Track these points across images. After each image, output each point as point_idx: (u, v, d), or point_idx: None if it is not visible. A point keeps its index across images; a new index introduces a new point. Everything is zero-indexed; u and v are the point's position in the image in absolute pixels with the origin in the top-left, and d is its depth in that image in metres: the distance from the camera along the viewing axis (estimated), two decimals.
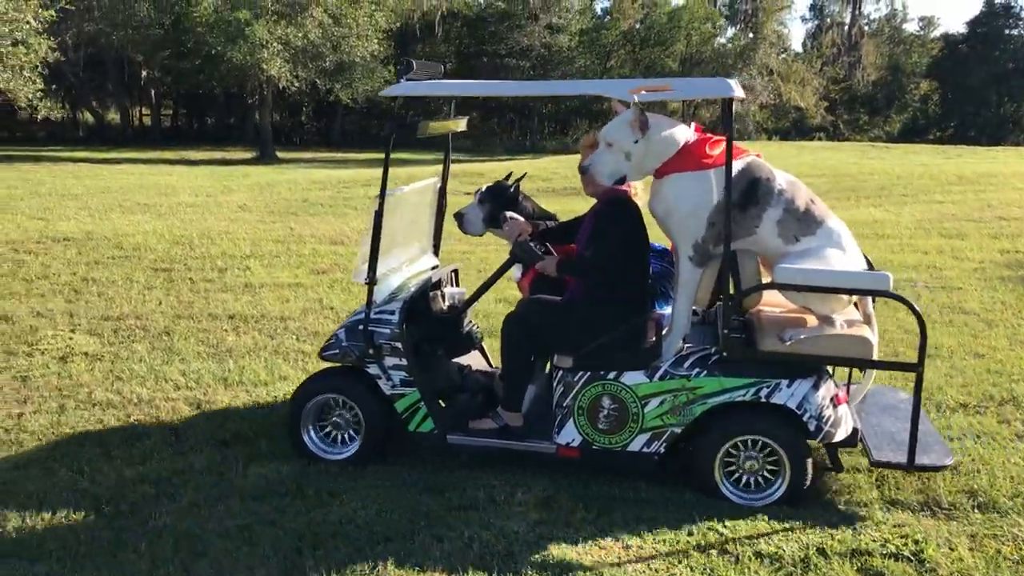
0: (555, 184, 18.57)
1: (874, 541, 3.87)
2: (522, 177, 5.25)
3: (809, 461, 4.22)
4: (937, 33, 56.37)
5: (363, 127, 44.17)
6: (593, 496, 4.28)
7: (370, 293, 4.51)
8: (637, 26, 44.19)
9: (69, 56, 33.04)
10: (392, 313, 4.54)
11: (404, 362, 4.52)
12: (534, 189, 17.61)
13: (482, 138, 43.40)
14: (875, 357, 4.21)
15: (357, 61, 32.35)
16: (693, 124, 4.37)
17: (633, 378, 4.27)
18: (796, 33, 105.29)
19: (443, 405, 4.70)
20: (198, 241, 11.49)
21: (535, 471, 4.53)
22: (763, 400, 4.16)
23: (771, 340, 4.21)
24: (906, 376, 6.03)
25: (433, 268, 5.28)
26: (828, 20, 57.80)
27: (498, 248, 9.18)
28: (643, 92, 4.04)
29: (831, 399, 4.18)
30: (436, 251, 5.45)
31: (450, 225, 5.36)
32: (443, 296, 5.14)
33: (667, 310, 4.81)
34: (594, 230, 4.39)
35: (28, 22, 11.70)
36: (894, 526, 4.02)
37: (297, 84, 31.12)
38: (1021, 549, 3.87)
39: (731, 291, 4.25)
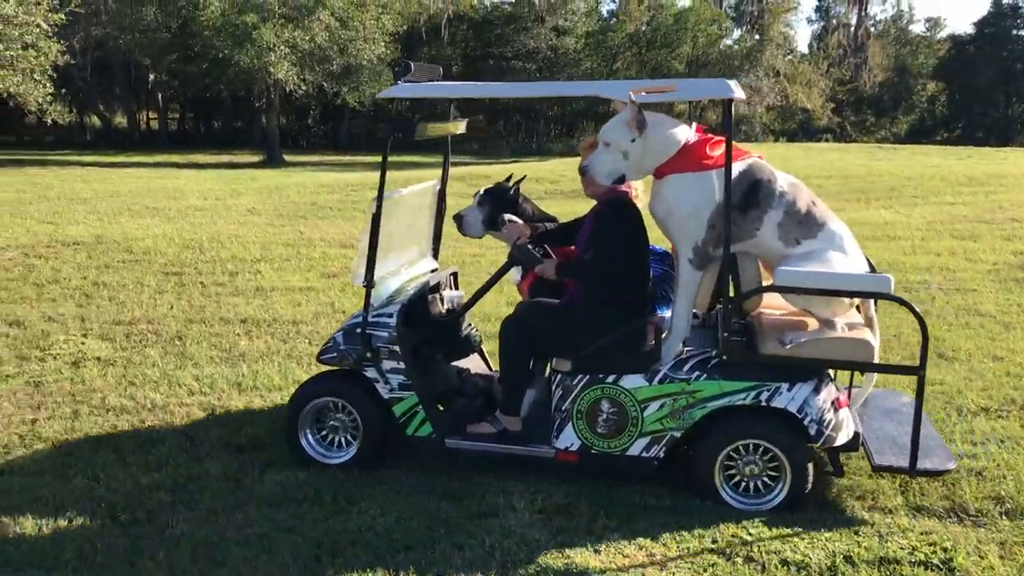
0: (562, 186, 18.49)
1: (902, 549, 3.81)
2: (522, 179, 5.21)
3: (810, 466, 4.17)
4: (944, 34, 56.25)
5: (370, 130, 44.13)
6: (614, 503, 4.23)
7: (367, 296, 4.49)
8: (643, 28, 44.10)
9: (76, 60, 33.12)
10: (390, 316, 4.52)
11: (402, 366, 4.50)
12: (541, 191, 17.57)
13: (488, 140, 43.36)
14: (876, 360, 4.17)
15: (364, 64, 32.34)
16: (694, 124, 4.32)
17: (632, 381, 4.24)
18: (802, 34, 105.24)
19: (442, 409, 4.67)
20: (208, 245, 11.47)
21: (554, 477, 4.48)
22: (763, 404, 4.11)
23: (771, 343, 4.17)
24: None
25: (432, 271, 5.25)
26: (834, 21, 57.68)
27: (507, 250, 9.15)
28: (644, 93, 4.02)
29: (832, 403, 4.14)
30: (436, 254, 5.43)
31: (455, 228, 5.31)
32: (442, 299, 5.11)
33: (667, 313, 4.76)
34: (594, 232, 4.35)
35: (38, 25, 11.69)
36: (921, 533, 3.96)
37: (304, 87, 31.12)
38: None
39: (731, 294, 4.21)
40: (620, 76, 41.56)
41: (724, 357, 4.15)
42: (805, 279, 4.01)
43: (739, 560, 3.74)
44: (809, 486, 4.18)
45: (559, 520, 4.07)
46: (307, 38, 29.49)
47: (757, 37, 45.89)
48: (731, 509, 4.18)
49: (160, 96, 42.30)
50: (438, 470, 4.61)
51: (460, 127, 5.05)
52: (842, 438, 4.15)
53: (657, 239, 4.63)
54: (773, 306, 4.59)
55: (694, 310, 4.50)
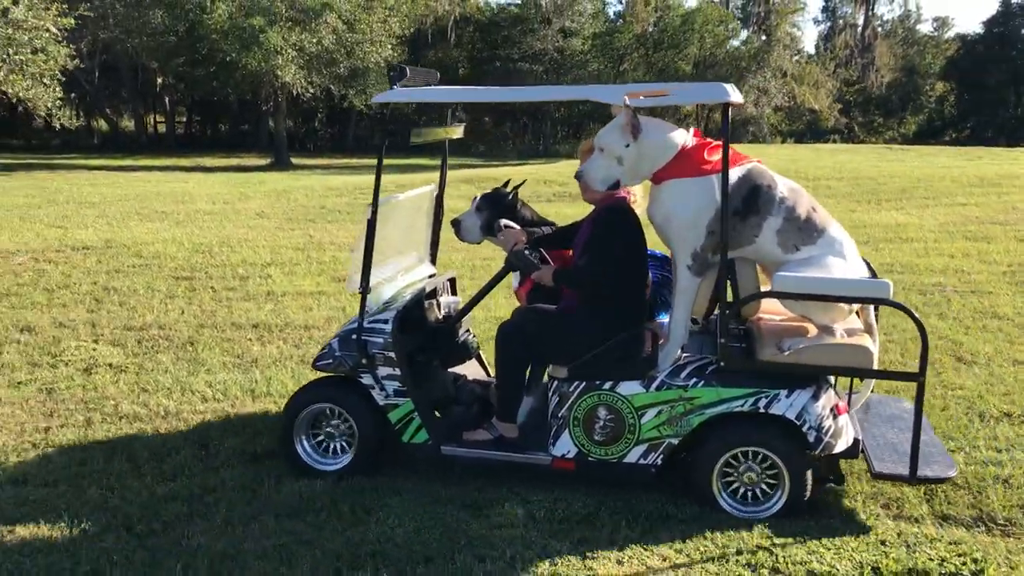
0: (570, 188, 18.43)
1: (931, 560, 3.73)
2: (520, 184, 5.17)
3: (809, 473, 4.12)
4: (952, 34, 56.05)
5: (377, 133, 44.13)
6: (636, 513, 4.16)
7: (363, 302, 4.46)
8: (650, 29, 44.00)
9: (84, 64, 33.17)
10: (385, 322, 4.48)
11: (397, 372, 4.46)
12: (549, 193, 17.53)
13: (495, 142, 43.33)
14: (875, 367, 4.11)
15: (371, 67, 32.30)
16: (692, 128, 4.27)
17: (629, 388, 4.19)
18: (809, 35, 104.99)
19: (438, 416, 4.63)
20: (218, 249, 11.45)
21: (574, 486, 4.42)
22: (761, 411, 4.06)
23: (770, 350, 4.12)
24: (941, 386, 5.95)
25: (430, 277, 5.22)
26: (841, 22, 57.54)
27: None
28: (642, 98, 3.98)
29: (831, 409, 4.08)
30: (433, 259, 5.40)
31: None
32: (438, 305, 5.07)
33: (667, 319, 4.71)
34: (591, 238, 4.30)
35: (48, 29, 11.68)
36: (950, 543, 3.89)
37: (311, 90, 31.12)
38: None
39: (729, 299, 4.16)
40: (627, 77, 41.49)
41: (722, 363, 4.10)
42: (802, 285, 3.97)
43: (765, 571, 3.68)
44: (808, 493, 4.13)
45: (580, 530, 4.01)
46: (314, 41, 29.47)
47: (764, 38, 45.76)
48: (753, 519, 4.12)
49: (167, 99, 42.34)
50: (455, 479, 4.55)
51: (457, 132, 5.04)
52: (841, 445, 4.10)
53: (656, 244, 4.58)
54: (773, 312, 4.54)
55: (693, 316, 4.47)
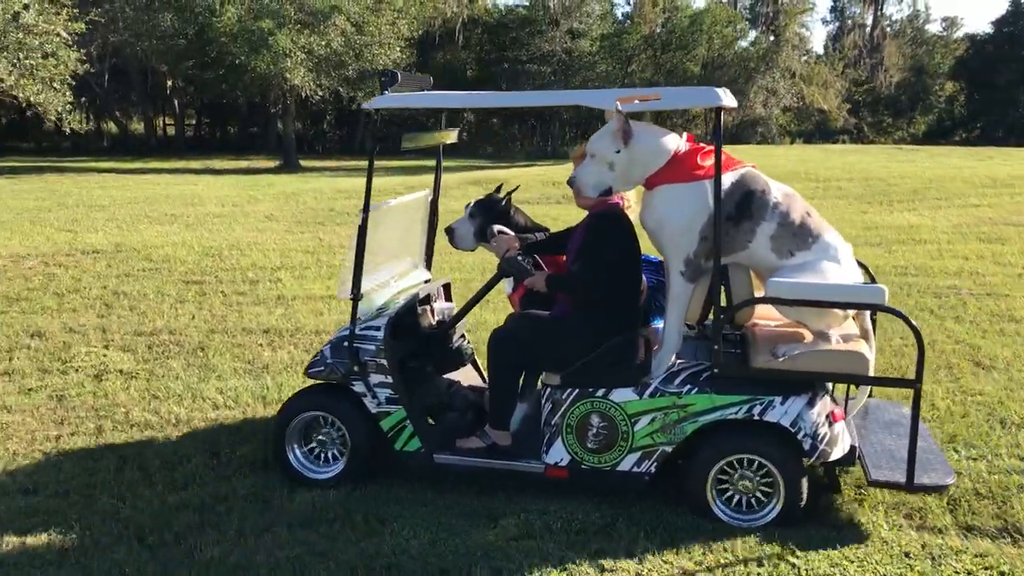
0: None
1: (956, 573, 3.67)
2: (514, 190, 5.13)
3: (804, 480, 4.06)
4: (961, 33, 55.79)
5: (385, 135, 44.12)
6: (655, 523, 4.10)
7: (354, 309, 4.42)
8: (658, 30, 43.91)
9: (94, 67, 33.23)
10: (377, 329, 4.44)
11: (389, 379, 4.42)
12: (559, 195, 17.44)
13: (503, 144, 43.29)
14: (871, 373, 4.06)
15: (379, 69, 32.29)
16: (685, 134, 4.23)
17: (622, 395, 4.14)
18: (818, 35, 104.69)
19: (432, 423, 4.59)
20: (227, 252, 11.42)
21: (590, 497, 4.36)
22: (756, 418, 4.00)
23: (764, 356, 4.07)
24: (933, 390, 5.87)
25: (425, 283, 5.18)
26: (850, 22, 57.36)
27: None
28: (636, 102, 3.96)
29: (827, 416, 4.03)
30: (428, 265, 5.36)
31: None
32: (432, 311, 5.03)
33: (662, 324, 4.66)
34: (584, 244, 4.26)
35: (58, 34, 11.68)
36: (976, 555, 3.82)
37: (320, 93, 31.11)
38: None
39: (722, 305, 4.11)
40: (635, 79, 41.41)
41: (716, 370, 4.05)
42: (796, 290, 3.93)
43: None
44: (804, 501, 4.07)
45: (598, 541, 3.94)
46: (323, 43, 29.47)
47: (772, 38, 45.63)
48: (774, 529, 4.05)
49: (176, 102, 42.39)
50: (471, 489, 4.49)
51: (451, 137, 5.01)
52: (837, 452, 4.05)
53: (650, 249, 4.53)
54: (768, 318, 4.48)
55: (688, 322, 4.43)
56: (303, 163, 31.73)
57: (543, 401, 4.27)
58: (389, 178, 23.25)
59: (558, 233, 4.80)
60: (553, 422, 4.24)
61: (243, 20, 28.59)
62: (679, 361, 4.24)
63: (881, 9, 56.40)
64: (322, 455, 4.63)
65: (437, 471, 4.51)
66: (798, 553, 3.83)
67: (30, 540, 3.95)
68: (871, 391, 5.12)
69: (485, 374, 5.28)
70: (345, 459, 4.55)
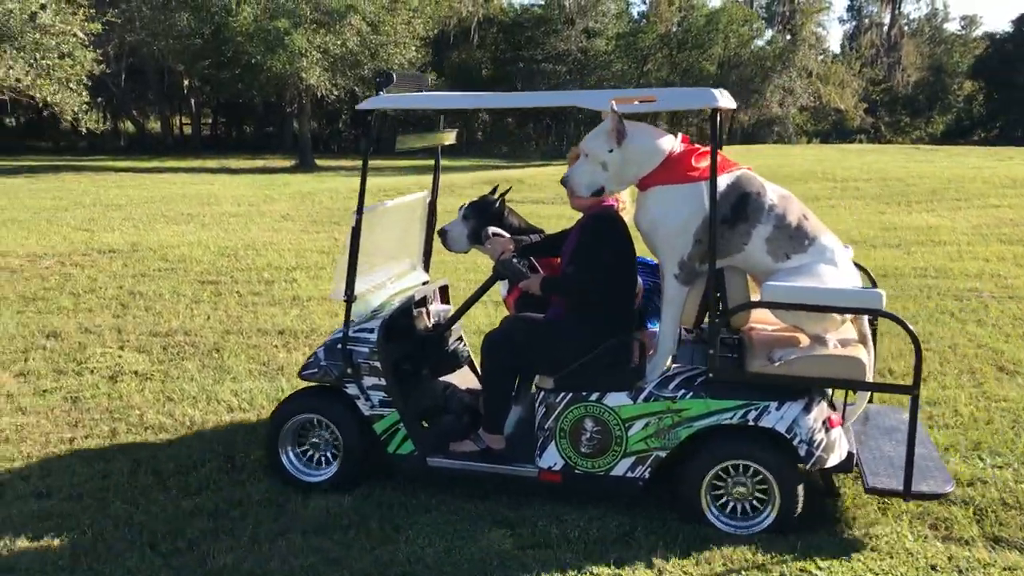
0: None
1: None
2: (507, 191, 5.08)
3: (800, 487, 3.99)
4: (980, 32, 55.37)
5: (402, 134, 44.13)
6: (674, 533, 4.03)
7: (347, 310, 4.38)
8: (674, 29, 43.77)
9: (111, 67, 33.36)
10: (371, 331, 4.40)
11: (383, 382, 4.38)
12: None
13: (518, 143, 43.26)
14: (870, 378, 3.99)
15: (395, 68, 32.31)
16: (680, 134, 4.17)
17: (616, 400, 4.09)
18: (835, 34, 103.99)
19: (426, 426, 4.55)
20: (243, 252, 11.41)
21: (608, 505, 4.29)
22: (751, 423, 3.94)
23: (760, 360, 4.01)
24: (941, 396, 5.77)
25: (424, 284, 5.14)
26: (867, 21, 57.05)
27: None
28: (636, 103, 3.92)
29: (823, 422, 3.96)
30: (427, 267, 5.32)
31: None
32: (428, 314, 4.99)
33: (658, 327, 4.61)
34: (578, 246, 4.21)
35: (75, 35, 11.70)
36: (1004, 569, 3.73)
37: (336, 92, 31.14)
38: None
39: (718, 309, 4.07)
40: (651, 78, 41.29)
41: (711, 374, 3.99)
42: (792, 294, 3.87)
43: None
44: (799, 508, 4.01)
45: (616, 550, 3.88)
46: (338, 43, 29.49)
47: (789, 37, 45.38)
48: (796, 539, 3.97)
49: (193, 101, 42.55)
50: (487, 495, 4.43)
51: (449, 138, 4.98)
52: (834, 459, 3.98)
53: (646, 251, 4.46)
54: (766, 322, 4.42)
55: (685, 327, 4.39)
56: (319, 162, 31.78)
57: (537, 405, 4.23)
58: (402, 177, 23.24)
59: (553, 235, 4.77)
60: (547, 426, 4.19)
61: (259, 20, 28.64)
62: (675, 366, 4.20)
63: (899, 7, 56.11)
64: (316, 458, 4.60)
65: (448, 478, 4.45)
66: (820, 564, 3.76)
67: (43, 545, 3.92)
68: (872, 397, 5.06)
69: None
70: (338, 462, 4.52)
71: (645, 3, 51.63)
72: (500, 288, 5.02)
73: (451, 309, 5.15)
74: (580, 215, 4.36)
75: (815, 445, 3.90)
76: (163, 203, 17.35)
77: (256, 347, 7.14)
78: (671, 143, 4.09)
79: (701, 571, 3.73)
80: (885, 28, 55.82)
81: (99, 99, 29.92)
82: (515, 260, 4.34)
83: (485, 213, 4.92)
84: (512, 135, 44.78)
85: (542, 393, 4.20)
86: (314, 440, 4.58)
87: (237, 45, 29.07)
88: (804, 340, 4.09)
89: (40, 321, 7.96)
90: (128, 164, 30.04)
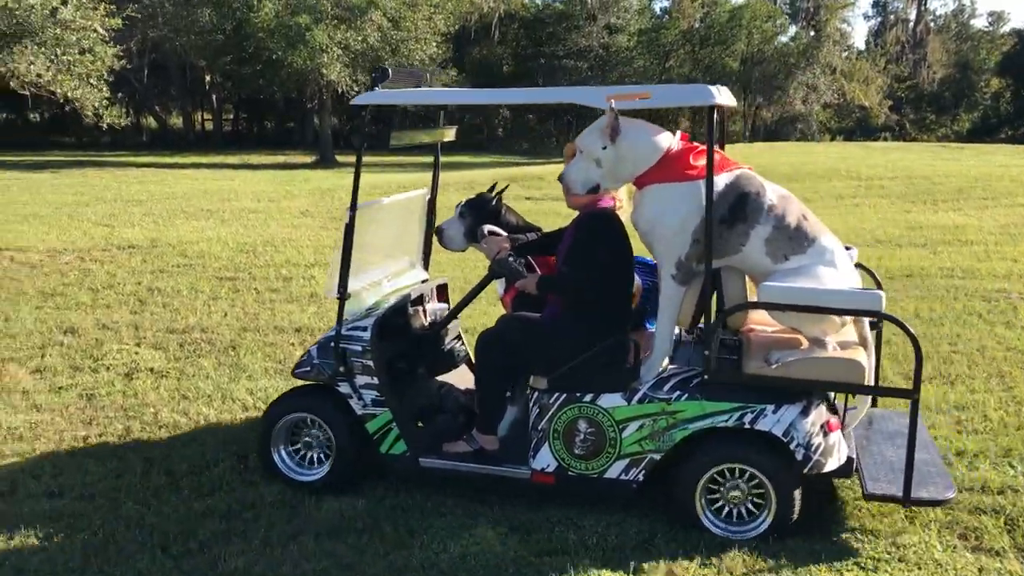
0: None
1: None
2: (504, 188, 5.00)
3: (797, 492, 3.90)
4: (1007, 28, 54.69)
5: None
6: (694, 540, 3.93)
7: (340, 308, 4.33)
8: (697, 25, 43.52)
9: (133, 62, 33.53)
10: (364, 330, 4.34)
11: (376, 381, 4.32)
12: None
13: (538, 140, 43.14)
14: (868, 382, 3.88)
15: (416, 64, 32.25)
16: (679, 132, 4.08)
17: (610, 401, 4.01)
18: (859, 30, 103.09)
19: (421, 426, 4.49)
20: (262, 249, 11.38)
21: (627, 511, 4.19)
22: (747, 426, 3.84)
23: (757, 362, 3.91)
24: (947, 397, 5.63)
25: (423, 282, 5.08)
26: (892, 17, 56.53)
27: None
28: (638, 100, 3.86)
29: (821, 426, 3.86)
30: (426, 265, 5.26)
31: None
32: (424, 312, 4.92)
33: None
34: (573, 245, 4.15)
35: (95, 30, 11.71)
36: None
37: (356, 88, 31.14)
38: None
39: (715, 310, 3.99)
40: (673, 74, 41.09)
41: (706, 376, 3.91)
42: (789, 295, 3.78)
43: None
44: (796, 514, 3.91)
45: (635, 558, 3.78)
46: (359, 39, 29.49)
47: (813, 34, 45.02)
48: (821, 548, 3.87)
49: (215, 97, 42.76)
50: (503, 500, 4.34)
51: (449, 134, 4.93)
52: (832, 464, 3.88)
53: (644, 250, 4.37)
54: (766, 323, 4.32)
55: (684, 328, 4.33)
56: (339, 159, 31.79)
57: (530, 405, 4.17)
58: (424, 174, 23.19)
59: (549, 233, 4.72)
60: (540, 427, 4.13)
61: (280, 15, 28.69)
62: (671, 367, 4.13)
63: (925, 4, 55.58)
64: (308, 457, 4.56)
65: (465, 480, 4.37)
66: (844, 573, 3.65)
67: (53, 546, 3.87)
68: (875, 400, 4.96)
69: None
70: (330, 462, 4.47)
71: None
72: (497, 287, 4.97)
73: (448, 308, 5.09)
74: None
75: (813, 449, 3.82)
76: (183, 199, 17.38)
77: (272, 345, 7.09)
78: (668, 141, 4.01)
79: None
80: (911, 24, 55.30)
81: (119, 94, 30.05)
82: (511, 259, 4.28)
83: (482, 211, 4.87)
84: (533, 131, 44.68)
85: (536, 393, 4.14)
86: (307, 439, 4.54)
87: (258, 41, 29.14)
88: (803, 342, 4.01)
89: (58, 317, 7.96)
90: (150, 160, 30.19)
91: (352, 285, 4.33)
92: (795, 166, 19.83)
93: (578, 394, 4.05)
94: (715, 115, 3.78)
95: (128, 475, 4.62)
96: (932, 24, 55.80)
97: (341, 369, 4.35)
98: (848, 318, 3.97)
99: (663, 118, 34.68)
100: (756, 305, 3.97)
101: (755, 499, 3.96)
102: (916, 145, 32.88)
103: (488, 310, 7.75)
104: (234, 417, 5.53)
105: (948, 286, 9.13)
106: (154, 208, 15.87)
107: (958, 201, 15.45)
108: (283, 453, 4.54)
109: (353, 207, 4.19)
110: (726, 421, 3.87)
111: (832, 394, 4.19)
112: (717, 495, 4.00)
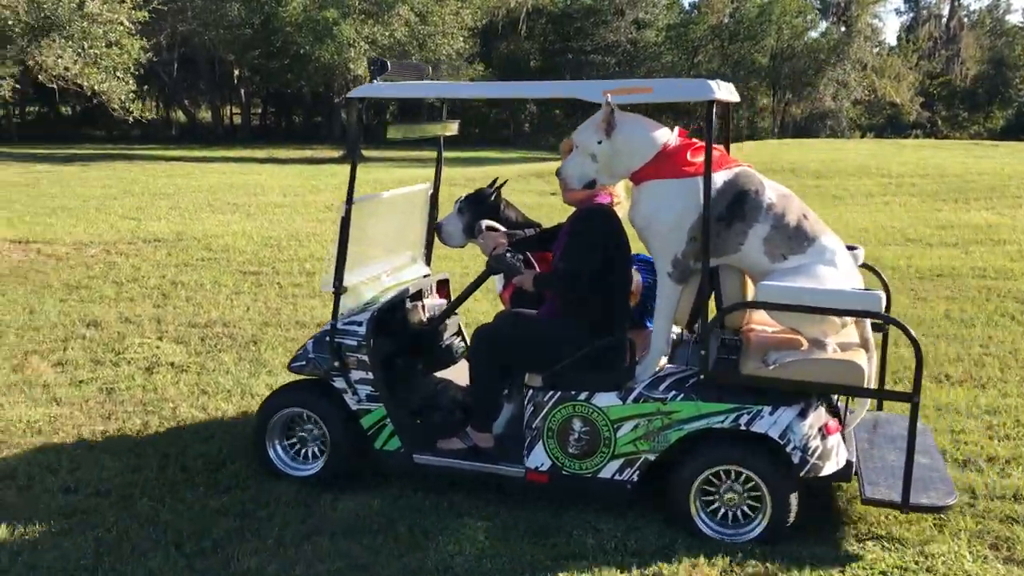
0: None
1: None
2: (503, 184, 4.93)
3: (794, 496, 3.80)
4: None
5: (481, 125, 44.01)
6: (715, 546, 3.83)
7: (336, 302, 4.28)
8: (726, 20, 43.18)
9: (163, 56, 33.77)
10: (359, 324, 4.29)
11: (370, 376, 4.27)
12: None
13: (565, 135, 42.91)
14: (867, 385, 3.79)
15: (443, 59, 32.26)
16: (677, 128, 4.01)
17: (605, 400, 3.95)
18: (891, 26, 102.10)
19: (418, 422, 4.44)
20: (286, 243, 11.40)
21: (647, 514, 4.11)
22: (742, 428, 3.76)
23: (754, 363, 3.82)
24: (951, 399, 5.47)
25: (424, 278, 5.03)
26: (925, 12, 55.76)
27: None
28: (634, 94, 3.82)
29: (819, 429, 3.76)
30: (428, 260, 5.21)
31: None
32: (423, 308, 4.85)
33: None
34: (568, 241, 4.09)
35: (122, 23, 11.77)
36: None
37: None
38: None
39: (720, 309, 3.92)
40: (702, 69, 40.81)
41: (702, 376, 3.83)
42: (787, 295, 3.69)
43: None
44: (792, 518, 3.82)
45: (655, 564, 3.70)
46: (386, 33, 29.52)
47: (844, 29, 44.51)
48: (847, 558, 3.77)
49: (243, 91, 42.97)
50: (520, 502, 4.26)
51: (452, 128, 4.87)
52: (830, 467, 3.79)
53: (644, 249, 4.28)
54: (767, 323, 4.23)
55: (685, 328, 4.26)
56: (366, 153, 31.82)
57: (525, 403, 4.11)
58: (449, 170, 23.16)
59: (546, 230, 4.67)
60: (534, 425, 4.07)
61: (308, 10, 28.79)
62: (669, 366, 4.06)
63: None
64: (304, 452, 4.53)
65: (482, 479, 4.30)
66: None
67: (66, 543, 3.84)
68: (881, 404, 4.88)
69: None
70: (325, 457, 4.43)
71: None
72: (496, 283, 4.92)
73: (447, 304, 5.03)
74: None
75: (810, 452, 3.74)
76: (210, 192, 17.47)
77: (294, 340, 7.06)
78: (666, 136, 3.95)
79: None
80: (944, 20, 54.50)
81: (145, 87, 30.27)
82: (508, 255, 4.22)
83: (480, 206, 4.82)
84: (559, 127, 44.50)
85: (530, 391, 4.09)
86: (302, 434, 4.52)
87: (286, 35, 29.27)
88: (804, 343, 3.92)
89: (82, 310, 7.98)
90: (179, 153, 30.39)
91: (350, 279, 4.31)
92: (825, 163, 19.57)
93: (573, 392, 4.00)
94: (714, 111, 3.70)
95: (144, 471, 4.59)
96: (966, 19, 54.97)
97: (336, 364, 4.31)
98: (849, 319, 3.89)
99: (690, 113, 34.44)
100: (753, 305, 3.92)
101: (751, 502, 3.89)
102: (948, 142, 32.41)
103: (491, 306, 7.68)
104: (253, 413, 5.48)
105: (980, 287, 8.95)
106: (181, 201, 15.96)
107: (991, 200, 15.19)
108: (278, 448, 4.52)
109: (349, 200, 4.16)
110: (722, 422, 3.81)
111: (836, 396, 4.11)
112: (713, 497, 3.93)
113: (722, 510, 3.93)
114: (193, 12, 31.80)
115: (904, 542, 3.91)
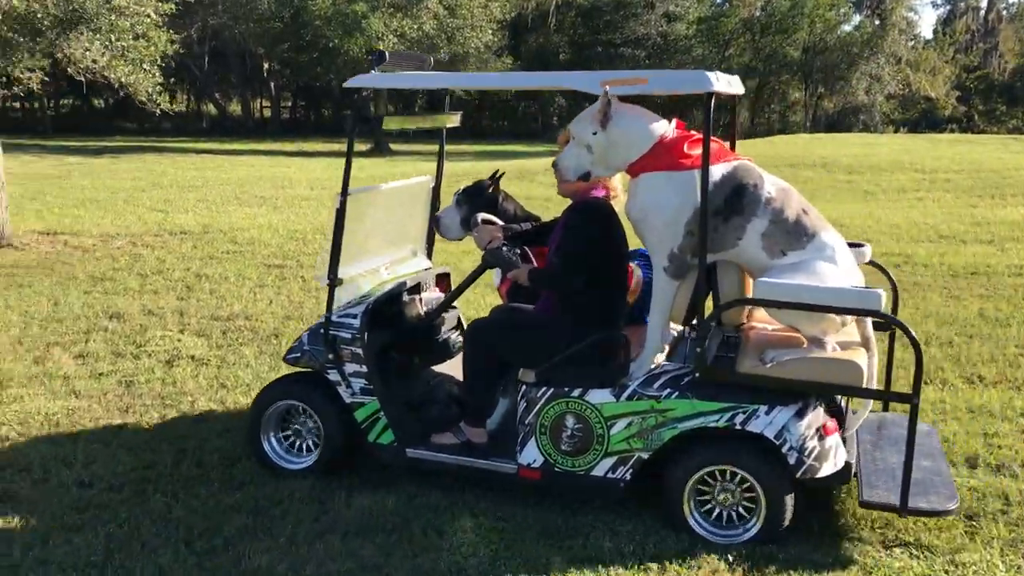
0: None
1: None
2: (501, 175, 4.85)
3: (789, 497, 3.70)
4: None
5: (475, 119, 44.08)
6: (737, 550, 3.72)
7: (330, 295, 4.23)
8: (757, 13, 42.71)
9: (194, 50, 33.98)
10: (354, 317, 4.24)
11: (364, 369, 4.22)
12: None
13: None
14: (867, 385, 3.66)
15: (471, 52, 32.20)
16: (674, 120, 3.89)
17: (599, 396, 3.87)
18: (927, 19, 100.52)
19: (413, 416, 4.38)
20: (311, 236, 11.40)
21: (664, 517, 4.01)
22: (737, 427, 3.66)
23: (751, 361, 3.72)
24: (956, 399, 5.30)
25: (424, 271, 4.97)
26: (962, 5, 54.88)
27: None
28: (632, 85, 3.71)
29: (817, 429, 3.65)
30: (429, 254, 5.15)
31: None
32: (421, 301, 4.79)
33: None
34: (563, 235, 3.99)
35: (148, 16, 11.80)
36: None
37: None
38: None
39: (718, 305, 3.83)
40: (732, 63, 40.41)
41: (696, 374, 3.74)
42: (784, 292, 3.58)
43: None
44: (787, 520, 3.71)
45: (674, 568, 3.60)
46: (415, 27, 29.52)
47: (878, 23, 43.88)
48: (875, 565, 3.64)
49: (273, 85, 43.18)
50: (536, 503, 4.17)
51: (454, 120, 4.78)
52: (827, 469, 3.68)
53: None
54: (768, 321, 4.11)
55: (682, 324, 4.17)
56: (393, 147, 31.88)
57: (519, 398, 4.04)
58: (478, 163, 23.10)
59: (543, 224, 4.60)
60: (527, 421, 4.00)
61: (337, 3, 28.84)
62: (664, 363, 3.97)
63: None
64: (299, 444, 4.50)
65: (499, 479, 4.22)
66: None
67: (77, 539, 3.80)
68: (887, 405, 4.76)
69: None
70: (319, 450, 4.40)
71: None
72: (494, 276, 4.86)
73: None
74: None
75: (806, 453, 3.64)
76: (238, 185, 17.54)
77: None
78: (663, 128, 3.84)
79: None
80: (982, 12, 53.63)
81: (171, 80, 30.46)
82: (504, 248, 4.15)
83: (478, 199, 4.75)
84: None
85: (524, 387, 4.02)
86: (296, 427, 4.49)
87: (315, 28, 29.35)
88: (804, 341, 3.81)
89: (105, 302, 7.99)
90: (209, 146, 30.58)
91: (347, 272, 4.27)
92: (857, 158, 19.30)
93: (566, 389, 3.93)
94: (712, 102, 3.58)
95: (159, 466, 4.56)
96: (1004, 12, 54.04)
97: (330, 356, 4.27)
98: (849, 318, 3.77)
99: (721, 107, 34.10)
100: (750, 302, 3.83)
101: (746, 503, 3.80)
102: (984, 137, 31.85)
103: (491, 301, 7.60)
104: None
105: (1016, 284, 8.74)
106: (209, 194, 16.03)
107: None
108: (273, 440, 4.49)
109: (344, 192, 4.10)
110: (717, 421, 3.71)
111: (839, 396, 3.99)
112: (707, 497, 3.85)
113: (716, 510, 3.84)
114: (224, 6, 31.98)
115: (934, 550, 3.78)
